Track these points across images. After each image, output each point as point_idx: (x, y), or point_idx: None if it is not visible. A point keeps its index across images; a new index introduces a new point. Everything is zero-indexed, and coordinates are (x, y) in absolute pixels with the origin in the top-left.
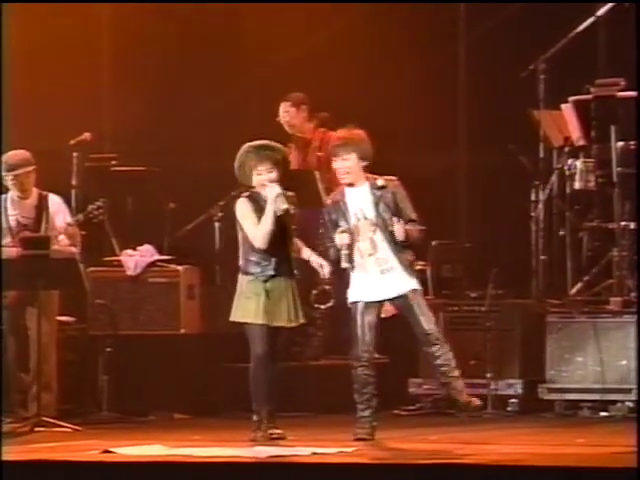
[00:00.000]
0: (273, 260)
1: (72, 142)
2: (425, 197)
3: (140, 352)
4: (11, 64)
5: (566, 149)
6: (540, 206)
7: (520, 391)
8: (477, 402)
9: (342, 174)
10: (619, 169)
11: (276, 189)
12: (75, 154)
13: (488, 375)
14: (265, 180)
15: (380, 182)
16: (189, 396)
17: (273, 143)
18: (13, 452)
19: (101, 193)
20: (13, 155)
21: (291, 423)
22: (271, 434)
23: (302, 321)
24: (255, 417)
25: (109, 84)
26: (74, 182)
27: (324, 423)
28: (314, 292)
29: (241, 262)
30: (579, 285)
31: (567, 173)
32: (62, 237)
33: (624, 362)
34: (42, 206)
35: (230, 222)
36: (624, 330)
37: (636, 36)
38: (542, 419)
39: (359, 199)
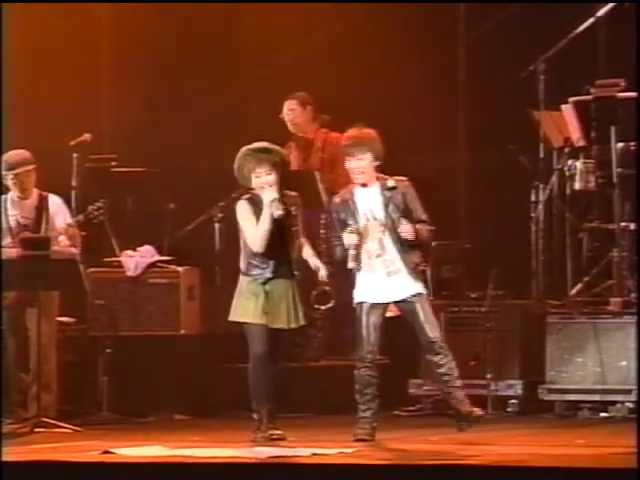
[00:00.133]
0: (272, 262)
1: (72, 143)
2: (425, 197)
3: (140, 353)
4: (11, 64)
5: (566, 150)
6: (540, 207)
7: (520, 392)
8: (479, 412)
9: (357, 174)
10: (619, 170)
11: (272, 194)
12: (75, 155)
13: (488, 376)
14: (264, 182)
15: (391, 183)
16: (189, 397)
17: (271, 145)
18: (13, 453)
19: (101, 194)
20: (13, 154)
21: (291, 424)
22: (271, 435)
23: (302, 323)
24: (255, 416)
25: (109, 84)
26: (74, 183)
27: (324, 424)
28: (314, 293)
29: (242, 264)
30: (579, 286)
31: (567, 174)
32: (62, 238)
33: (624, 363)
34: (42, 207)
35: (230, 223)
36: (624, 331)
37: (636, 36)
38: (542, 420)
39: (369, 199)
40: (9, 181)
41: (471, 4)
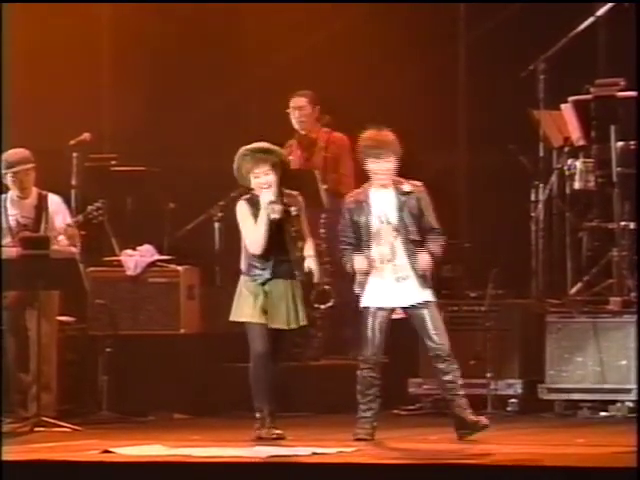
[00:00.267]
0: (270, 263)
1: (72, 142)
2: None
3: (140, 352)
4: (11, 64)
5: (566, 149)
6: (540, 206)
7: (520, 391)
8: (485, 422)
9: (382, 175)
10: (619, 169)
11: (269, 196)
12: (75, 154)
13: (488, 375)
14: (262, 183)
15: (407, 187)
16: (189, 396)
17: (270, 145)
18: (13, 452)
19: (101, 193)
20: (12, 153)
21: (291, 423)
22: (271, 434)
23: (303, 323)
24: (258, 414)
25: (109, 84)
26: (74, 182)
27: (324, 423)
28: (314, 292)
29: (243, 264)
30: (579, 285)
31: (567, 173)
32: (61, 237)
33: (624, 362)
34: (42, 206)
35: (230, 222)
36: (624, 330)
37: (636, 36)
38: (542, 419)
39: (384, 202)
40: (8, 180)
41: (471, 4)
